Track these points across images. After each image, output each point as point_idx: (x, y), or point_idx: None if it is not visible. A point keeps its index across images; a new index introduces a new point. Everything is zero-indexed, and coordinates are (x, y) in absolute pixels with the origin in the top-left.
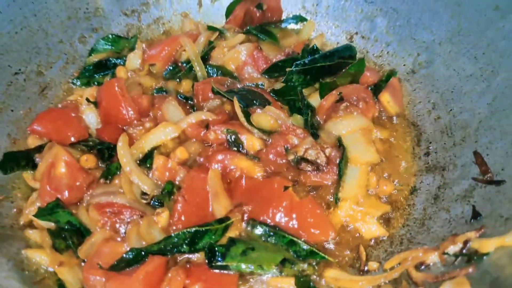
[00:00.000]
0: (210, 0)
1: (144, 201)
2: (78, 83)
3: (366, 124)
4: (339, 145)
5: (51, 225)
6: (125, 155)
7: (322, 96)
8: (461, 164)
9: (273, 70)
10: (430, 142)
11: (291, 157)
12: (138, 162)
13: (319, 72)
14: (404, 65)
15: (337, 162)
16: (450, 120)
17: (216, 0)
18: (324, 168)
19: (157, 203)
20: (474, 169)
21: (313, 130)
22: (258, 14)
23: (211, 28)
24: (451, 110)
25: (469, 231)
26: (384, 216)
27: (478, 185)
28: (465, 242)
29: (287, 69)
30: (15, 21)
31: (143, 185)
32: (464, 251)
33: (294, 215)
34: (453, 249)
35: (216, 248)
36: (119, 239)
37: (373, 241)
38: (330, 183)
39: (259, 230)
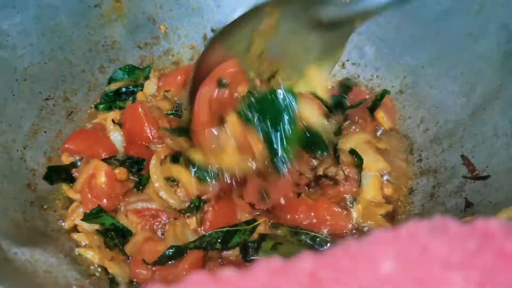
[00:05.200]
0: (214, 34)
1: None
2: (101, 107)
3: (368, 138)
4: (353, 154)
5: (96, 227)
6: (156, 172)
7: None
8: (450, 166)
9: None
10: (422, 150)
11: (310, 175)
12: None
13: None
14: (392, 86)
15: (355, 177)
16: (437, 131)
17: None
18: (343, 183)
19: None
20: (462, 169)
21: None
22: None
23: None
24: (437, 122)
25: (465, 217)
26: (388, 214)
27: (467, 181)
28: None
29: None
30: (44, 53)
31: (171, 200)
32: None
33: (312, 214)
34: None
35: (249, 244)
36: (157, 239)
37: None
38: (348, 196)
39: (282, 231)
